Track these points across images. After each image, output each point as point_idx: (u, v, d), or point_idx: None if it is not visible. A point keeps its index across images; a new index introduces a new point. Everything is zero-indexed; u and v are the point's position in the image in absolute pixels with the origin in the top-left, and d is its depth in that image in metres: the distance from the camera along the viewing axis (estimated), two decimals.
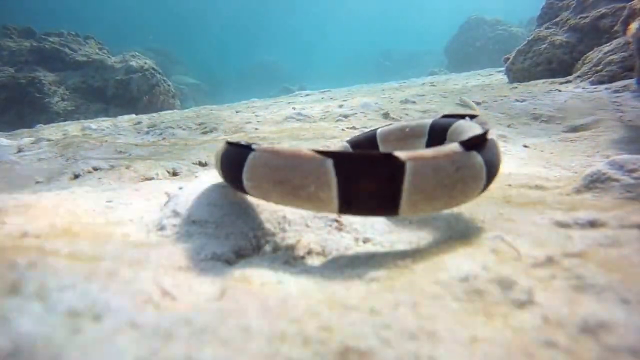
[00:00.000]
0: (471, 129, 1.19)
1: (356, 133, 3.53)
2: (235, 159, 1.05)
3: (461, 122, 1.31)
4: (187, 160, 2.54)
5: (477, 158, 0.95)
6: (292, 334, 0.59)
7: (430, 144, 1.45)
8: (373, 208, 0.91)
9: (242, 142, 1.09)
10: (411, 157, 0.88)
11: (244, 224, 1.09)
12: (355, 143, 1.68)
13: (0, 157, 2.53)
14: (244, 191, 1.03)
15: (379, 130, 1.61)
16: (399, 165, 0.87)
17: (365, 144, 1.63)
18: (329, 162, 0.88)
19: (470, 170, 0.93)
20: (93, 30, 15.89)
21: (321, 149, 0.92)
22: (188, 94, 23.20)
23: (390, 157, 0.87)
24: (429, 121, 1.48)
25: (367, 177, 0.88)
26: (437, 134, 1.41)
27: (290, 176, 0.92)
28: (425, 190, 0.88)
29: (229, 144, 1.15)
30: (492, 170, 1.02)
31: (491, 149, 1.04)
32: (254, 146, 1.00)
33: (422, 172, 0.87)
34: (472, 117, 1.31)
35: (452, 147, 0.94)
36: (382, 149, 1.57)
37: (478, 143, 0.98)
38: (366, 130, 3.72)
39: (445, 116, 1.43)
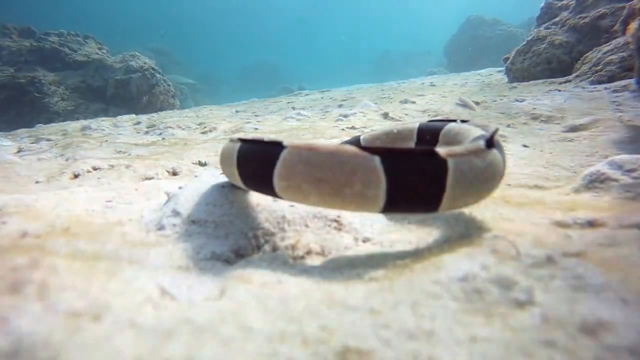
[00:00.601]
0: (472, 131, 1.19)
1: (356, 133, 3.53)
2: (263, 158, 0.96)
3: (453, 124, 1.31)
4: (187, 160, 2.54)
5: (498, 155, 1.00)
6: (292, 333, 0.60)
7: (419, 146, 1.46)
8: (417, 205, 0.90)
9: (263, 138, 1.01)
10: (450, 153, 0.89)
11: (243, 223, 1.09)
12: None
13: (0, 157, 2.53)
14: (273, 193, 0.95)
15: (363, 136, 1.60)
16: (442, 161, 0.87)
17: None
18: (377, 159, 0.85)
19: (495, 167, 0.97)
20: (93, 30, 15.88)
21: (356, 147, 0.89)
22: (188, 93, 23.21)
23: (433, 154, 0.87)
24: (415, 125, 1.46)
25: (416, 174, 0.86)
26: (427, 136, 1.40)
27: (335, 174, 0.86)
28: (464, 186, 0.90)
29: (246, 141, 1.05)
30: (505, 165, 1.07)
31: (501, 147, 1.08)
32: (284, 143, 0.93)
33: (462, 168, 0.89)
34: (463, 121, 1.31)
35: (478, 145, 0.96)
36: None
37: (494, 142, 1.02)
38: (366, 130, 3.72)
39: (432, 120, 1.43)
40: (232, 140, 1.11)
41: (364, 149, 0.87)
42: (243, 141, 1.05)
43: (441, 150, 0.89)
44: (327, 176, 0.87)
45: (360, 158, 0.86)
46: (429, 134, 1.38)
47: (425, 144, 1.39)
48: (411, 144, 1.47)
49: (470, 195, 0.93)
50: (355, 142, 1.58)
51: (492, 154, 0.98)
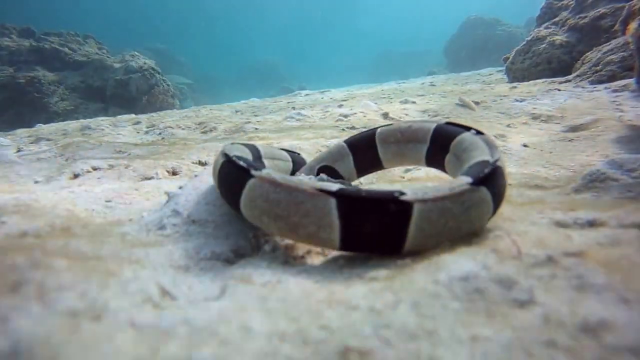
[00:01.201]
0: (479, 150, 1.12)
1: (356, 133, 3.52)
2: (232, 182, 1.00)
3: (467, 135, 1.23)
4: (187, 160, 2.53)
5: (487, 194, 0.94)
6: (292, 333, 0.59)
7: (431, 152, 1.37)
8: (376, 249, 0.89)
9: (241, 162, 1.02)
10: (419, 198, 0.84)
11: (243, 223, 1.09)
12: (353, 143, 1.61)
13: (0, 157, 2.53)
14: (242, 215, 0.99)
15: (378, 130, 1.54)
16: (404, 209, 0.83)
17: (364, 145, 1.56)
18: (332, 202, 0.84)
19: (478, 208, 0.93)
20: (92, 30, 15.88)
21: (324, 185, 0.87)
22: (187, 93, 23.21)
23: (396, 201, 0.83)
24: (432, 126, 1.37)
25: (372, 222, 0.84)
26: (440, 142, 1.33)
27: (290, 214, 0.88)
28: (433, 232, 0.87)
29: (228, 159, 1.06)
30: (499, 199, 1.01)
31: (499, 178, 1.01)
32: (253, 172, 0.95)
33: (429, 216, 0.85)
34: (478, 132, 1.22)
35: (462, 184, 0.91)
36: (381, 150, 1.51)
37: (492, 177, 0.97)
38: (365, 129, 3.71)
39: (449, 123, 1.34)
40: (222, 153, 1.12)
41: (324, 191, 0.85)
42: (226, 158, 1.07)
43: (410, 194, 0.85)
44: (284, 215, 0.89)
45: (315, 200, 0.86)
46: (442, 140, 1.31)
47: (437, 150, 1.33)
48: (423, 148, 1.39)
49: (442, 236, 0.89)
50: (371, 136, 1.52)
51: (477, 194, 0.92)
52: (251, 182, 0.93)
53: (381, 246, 0.88)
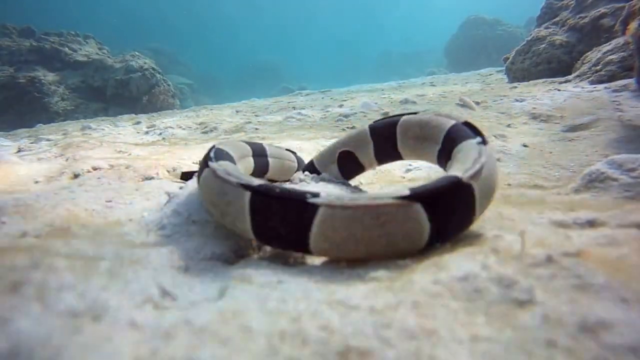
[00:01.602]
0: (462, 162, 1.04)
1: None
2: (200, 169, 1.14)
3: (468, 143, 1.14)
4: (188, 160, 2.54)
5: (421, 213, 0.85)
6: (292, 333, 0.59)
7: (441, 154, 1.31)
8: (283, 245, 0.94)
9: (211, 153, 1.16)
10: (328, 203, 0.85)
11: None
12: (375, 130, 1.50)
13: (0, 157, 2.53)
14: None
15: (401, 121, 1.40)
16: (310, 210, 0.85)
17: (385, 134, 1.45)
18: (247, 196, 0.92)
19: (401, 226, 0.85)
20: (93, 30, 15.89)
21: (246, 180, 0.94)
22: (187, 93, 23.23)
23: (303, 202, 0.86)
24: (447, 125, 1.27)
25: (276, 219, 0.89)
26: (448, 146, 1.26)
27: (220, 201, 0.98)
28: (334, 238, 0.85)
29: (208, 154, 1.17)
30: (447, 221, 0.91)
31: (455, 198, 0.92)
32: (209, 162, 1.07)
33: (333, 221, 0.84)
34: (484, 141, 1.12)
35: (390, 196, 0.85)
36: (400, 144, 1.42)
37: (438, 195, 0.88)
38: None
39: (465, 123, 1.23)
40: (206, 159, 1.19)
41: (243, 185, 0.93)
42: (208, 152, 1.20)
43: (321, 197, 0.85)
44: (216, 202, 0.99)
45: (235, 191, 0.95)
46: (451, 143, 1.23)
47: (446, 153, 1.27)
48: (435, 150, 1.32)
49: (349, 250, 0.87)
50: (393, 125, 1.43)
51: (403, 211, 0.85)
52: (205, 171, 1.06)
53: (287, 243, 0.92)
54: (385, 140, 1.45)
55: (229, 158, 1.32)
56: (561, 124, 3.48)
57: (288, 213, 0.88)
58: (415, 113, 1.41)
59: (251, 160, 1.68)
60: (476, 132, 1.17)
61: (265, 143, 1.76)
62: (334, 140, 1.67)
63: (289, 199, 0.88)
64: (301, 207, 0.86)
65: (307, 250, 0.89)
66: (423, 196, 0.86)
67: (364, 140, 1.50)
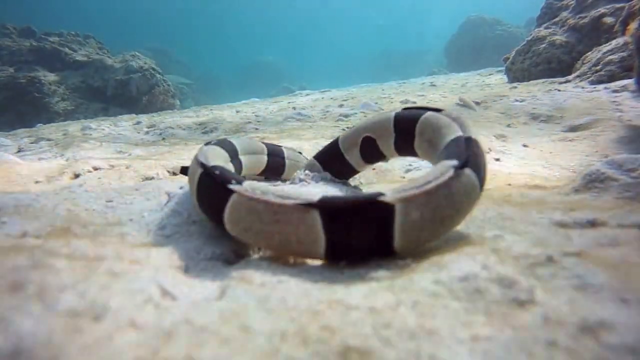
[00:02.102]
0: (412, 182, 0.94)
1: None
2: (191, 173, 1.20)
3: (445, 163, 1.04)
4: (188, 160, 2.54)
5: (317, 223, 0.86)
6: (293, 333, 0.60)
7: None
8: (209, 217, 1.00)
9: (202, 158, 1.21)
10: (239, 191, 0.93)
11: None
12: (400, 121, 1.40)
13: (0, 157, 2.53)
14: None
15: (422, 118, 1.31)
16: (227, 194, 0.91)
17: (406, 128, 1.37)
18: (199, 172, 0.99)
19: (295, 229, 0.87)
20: (93, 30, 15.89)
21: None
22: (188, 93, 23.22)
23: (223, 188, 0.92)
24: (449, 138, 1.15)
25: (206, 194, 0.96)
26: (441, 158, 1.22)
27: (190, 177, 1.03)
28: (238, 224, 0.90)
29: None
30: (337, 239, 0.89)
31: (377, 219, 0.87)
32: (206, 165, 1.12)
33: (239, 210, 0.90)
34: (462, 165, 0.96)
35: (291, 200, 0.87)
36: (416, 143, 1.35)
37: (342, 208, 0.86)
38: None
39: (467, 139, 1.10)
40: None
41: (306, 204, 0.87)
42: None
43: (242, 185, 0.94)
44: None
45: (195, 167, 1.12)
46: (442, 156, 1.16)
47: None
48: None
49: (256, 237, 0.92)
50: (414, 120, 1.34)
51: (303, 217, 0.85)
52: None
53: (210, 216, 1.06)
54: (406, 135, 1.39)
55: (229, 148, 1.40)
56: (561, 124, 3.48)
57: (213, 192, 1.01)
58: (440, 110, 1.30)
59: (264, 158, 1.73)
60: (464, 153, 1.00)
61: (233, 139, 1.72)
62: (360, 121, 1.61)
63: (216, 182, 1.01)
64: (221, 190, 0.97)
65: (224, 227, 0.98)
66: (325, 206, 0.85)
67: (387, 130, 1.44)
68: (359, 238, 0.86)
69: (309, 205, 0.85)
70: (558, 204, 1.23)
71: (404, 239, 0.87)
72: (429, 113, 1.32)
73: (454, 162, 0.94)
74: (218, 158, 1.30)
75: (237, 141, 1.66)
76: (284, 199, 0.88)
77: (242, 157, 1.67)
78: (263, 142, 1.88)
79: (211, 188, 1.02)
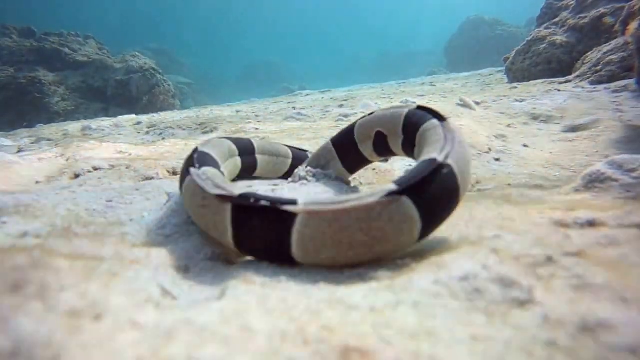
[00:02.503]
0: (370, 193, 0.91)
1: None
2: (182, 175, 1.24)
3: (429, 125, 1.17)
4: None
5: (227, 214, 0.90)
6: (293, 333, 0.60)
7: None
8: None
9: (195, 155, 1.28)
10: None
11: None
12: (407, 124, 1.34)
13: (0, 157, 2.53)
14: None
15: (424, 126, 1.24)
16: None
17: (412, 130, 1.32)
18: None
19: (214, 216, 0.95)
20: (93, 30, 15.90)
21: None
22: (188, 93, 23.23)
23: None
24: (427, 157, 1.01)
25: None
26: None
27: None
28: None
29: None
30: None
31: (277, 226, 0.88)
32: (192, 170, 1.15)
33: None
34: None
35: (216, 188, 0.94)
36: (415, 150, 1.31)
37: (249, 206, 0.88)
38: None
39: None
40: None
41: (222, 197, 0.96)
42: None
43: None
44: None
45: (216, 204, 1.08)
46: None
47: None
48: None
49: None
50: (419, 126, 1.27)
51: (219, 206, 0.94)
52: (187, 179, 1.12)
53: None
54: (412, 139, 1.33)
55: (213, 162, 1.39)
56: (561, 124, 3.48)
57: (182, 174, 1.17)
58: (444, 119, 1.21)
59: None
60: (412, 180, 0.90)
61: (254, 139, 1.76)
62: (377, 110, 1.55)
63: (187, 164, 1.16)
64: (184, 172, 1.14)
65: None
66: (237, 201, 0.91)
67: (396, 130, 1.39)
68: (260, 239, 0.90)
69: (226, 198, 0.93)
70: (558, 204, 1.23)
71: (302, 251, 0.85)
72: (429, 123, 1.22)
73: (392, 187, 0.86)
74: (216, 148, 1.43)
75: (258, 143, 1.75)
76: (214, 188, 0.98)
77: (258, 156, 1.74)
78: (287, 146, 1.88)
79: (183, 170, 1.18)
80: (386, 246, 0.85)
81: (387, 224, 0.83)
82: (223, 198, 0.93)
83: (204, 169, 1.24)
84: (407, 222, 0.85)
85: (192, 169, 1.09)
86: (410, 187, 0.86)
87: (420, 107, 1.35)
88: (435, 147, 1.03)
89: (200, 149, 1.31)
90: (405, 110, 1.37)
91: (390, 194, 0.84)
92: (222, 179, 1.24)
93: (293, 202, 0.86)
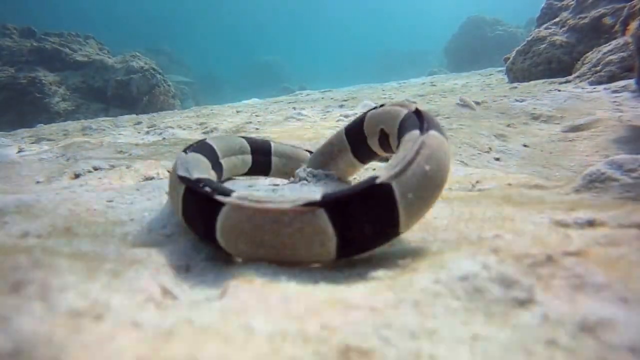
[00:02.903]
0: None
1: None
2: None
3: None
4: None
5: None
6: (293, 332, 0.60)
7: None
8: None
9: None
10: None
11: None
12: (402, 127, 1.26)
13: (0, 157, 2.53)
14: None
15: (407, 134, 1.16)
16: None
17: (400, 135, 1.25)
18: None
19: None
20: (93, 30, 15.90)
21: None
22: (188, 93, 23.23)
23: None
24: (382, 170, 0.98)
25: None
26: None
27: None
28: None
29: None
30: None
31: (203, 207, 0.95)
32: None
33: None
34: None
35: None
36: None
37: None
38: None
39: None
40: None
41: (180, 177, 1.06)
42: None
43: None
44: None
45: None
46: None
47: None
48: None
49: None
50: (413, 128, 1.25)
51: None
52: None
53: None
54: (399, 143, 1.24)
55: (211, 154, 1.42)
56: (561, 124, 3.48)
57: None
58: (427, 130, 1.11)
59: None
60: (340, 193, 0.88)
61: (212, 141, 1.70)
62: (386, 104, 1.50)
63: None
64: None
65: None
66: (188, 182, 1.02)
67: (393, 131, 1.35)
68: (197, 220, 0.99)
69: (183, 179, 1.04)
70: (558, 204, 1.23)
71: (223, 239, 0.90)
72: (411, 133, 1.09)
73: (316, 197, 0.84)
74: (223, 142, 1.52)
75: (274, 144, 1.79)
76: (181, 170, 1.07)
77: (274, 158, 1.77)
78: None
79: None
80: (296, 254, 0.84)
81: (296, 233, 0.82)
82: (182, 179, 1.04)
83: (190, 154, 1.26)
84: (319, 235, 0.82)
85: (180, 153, 1.21)
86: (332, 202, 0.82)
87: (416, 111, 1.25)
88: (390, 164, 0.96)
89: (207, 140, 1.41)
90: (404, 112, 1.31)
91: (309, 204, 0.82)
92: (201, 166, 1.29)
93: (227, 194, 0.90)
